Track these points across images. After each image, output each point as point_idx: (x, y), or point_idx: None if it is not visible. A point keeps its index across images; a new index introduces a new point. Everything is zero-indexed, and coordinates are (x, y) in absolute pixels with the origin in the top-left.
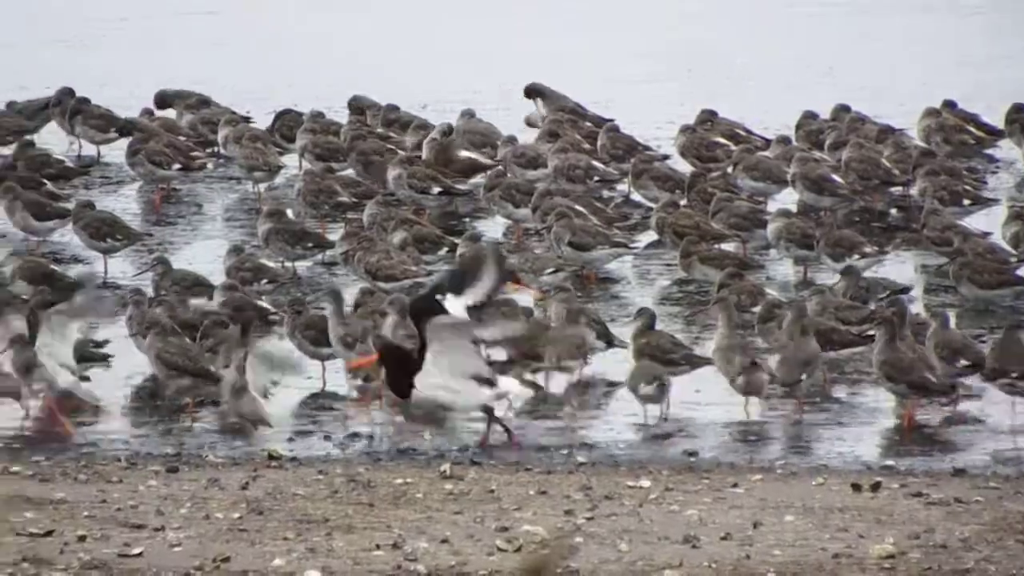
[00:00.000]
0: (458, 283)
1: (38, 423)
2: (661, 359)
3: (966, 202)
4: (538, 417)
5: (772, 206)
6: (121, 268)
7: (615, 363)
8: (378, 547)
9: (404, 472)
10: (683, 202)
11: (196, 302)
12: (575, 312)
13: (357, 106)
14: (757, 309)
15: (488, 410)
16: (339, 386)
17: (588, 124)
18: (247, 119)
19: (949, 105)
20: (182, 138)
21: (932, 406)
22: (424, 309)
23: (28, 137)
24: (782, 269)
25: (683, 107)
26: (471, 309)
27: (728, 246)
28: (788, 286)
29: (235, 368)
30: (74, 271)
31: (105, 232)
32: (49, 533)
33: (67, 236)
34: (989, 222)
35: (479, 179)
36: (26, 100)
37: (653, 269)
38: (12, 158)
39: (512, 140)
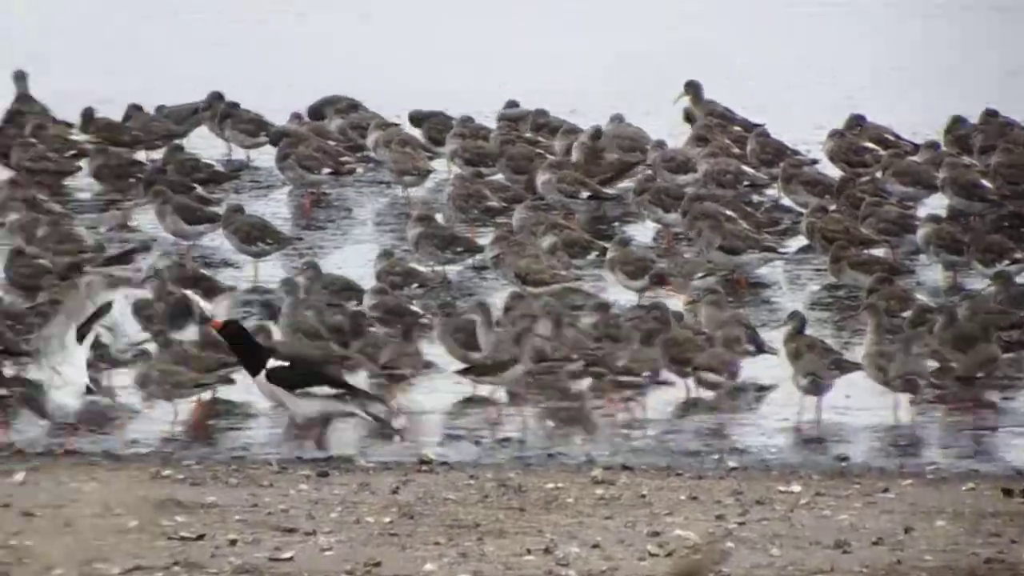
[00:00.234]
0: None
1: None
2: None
3: None
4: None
5: (921, 211)
6: (271, 272)
7: (765, 368)
8: (529, 552)
9: (555, 477)
10: (832, 207)
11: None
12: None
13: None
14: (907, 314)
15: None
16: (488, 391)
17: (737, 128)
18: (396, 123)
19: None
20: (332, 142)
21: None
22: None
23: (177, 141)
24: (931, 274)
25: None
26: None
27: (878, 251)
28: (938, 291)
29: None
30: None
31: (255, 236)
32: (200, 537)
33: (217, 240)
34: None
35: (628, 183)
36: (175, 104)
37: (803, 274)
38: (162, 162)
39: (661, 144)
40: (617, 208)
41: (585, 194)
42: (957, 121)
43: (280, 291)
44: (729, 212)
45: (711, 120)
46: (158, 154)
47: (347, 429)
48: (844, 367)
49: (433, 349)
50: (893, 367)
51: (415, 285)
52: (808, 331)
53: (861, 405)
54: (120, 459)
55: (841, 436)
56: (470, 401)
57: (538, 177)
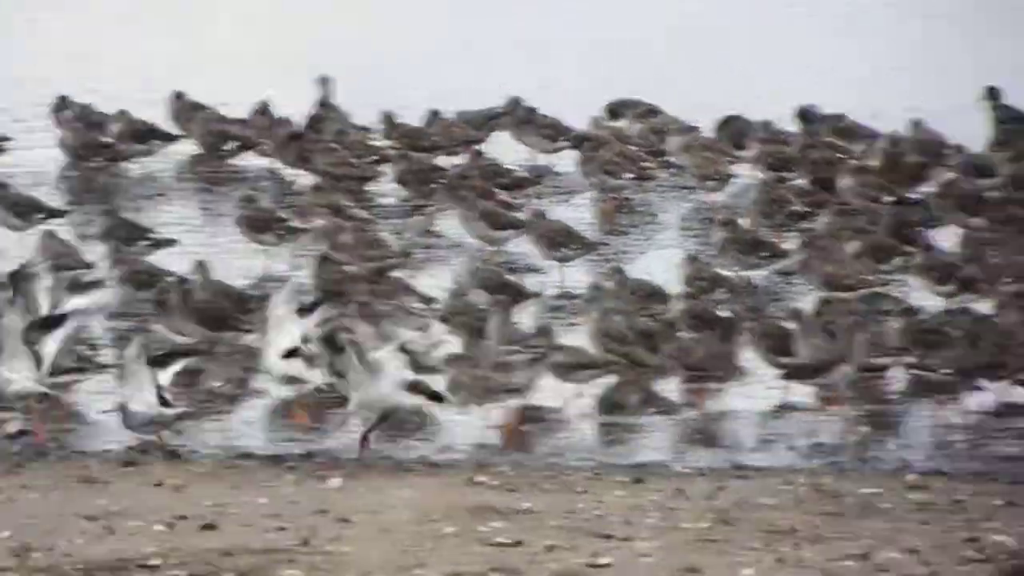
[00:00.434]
0: None
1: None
2: None
3: None
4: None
5: None
6: (576, 277)
7: None
8: (847, 557)
9: (869, 482)
10: None
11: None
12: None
13: (803, 116)
14: None
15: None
16: (802, 396)
17: None
18: (696, 127)
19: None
20: (633, 147)
21: None
22: None
23: (477, 147)
24: None
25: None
26: None
27: None
28: None
29: None
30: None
31: (560, 242)
32: (517, 543)
33: (520, 245)
34: None
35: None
36: (474, 109)
37: None
38: (465, 167)
39: (960, 149)
40: (919, 212)
41: (888, 198)
42: None
43: (587, 296)
44: None
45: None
46: (460, 159)
47: (661, 434)
48: None
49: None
50: None
51: (722, 290)
52: None
53: None
54: (435, 465)
55: None
56: (783, 407)
57: (840, 182)
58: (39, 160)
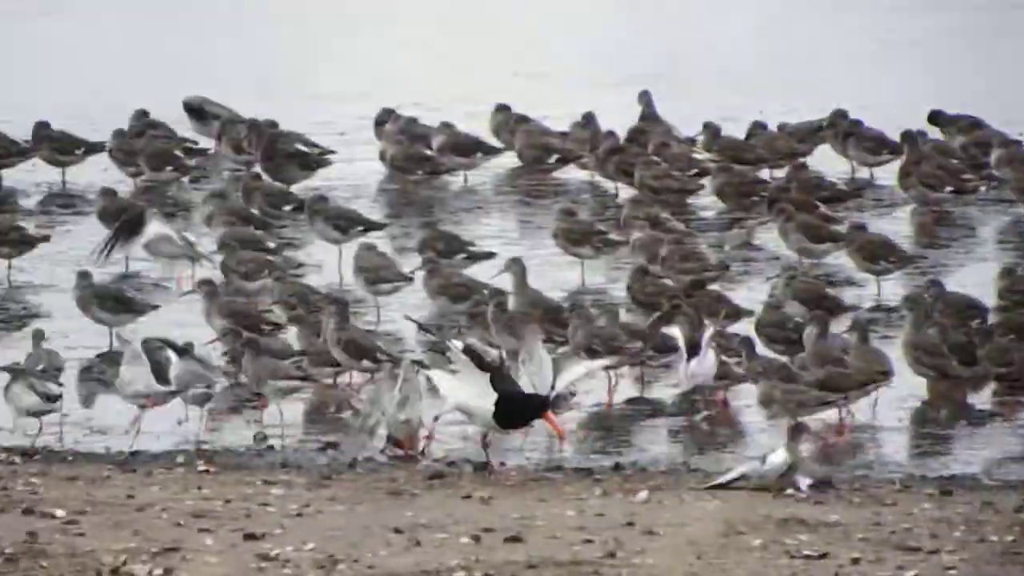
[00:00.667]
0: None
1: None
2: None
3: None
4: None
5: None
6: (893, 290)
7: None
8: None
9: None
10: None
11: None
12: None
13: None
14: None
15: None
16: None
17: None
18: (1018, 141)
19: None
20: (954, 160)
21: None
22: None
23: (801, 160)
24: None
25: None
26: None
27: None
28: None
29: None
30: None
31: (879, 255)
32: (823, 556)
33: (840, 259)
34: None
35: None
36: (798, 122)
37: None
38: (786, 180)
39: None
40: None
41: None
42: None
43: (903, 308)
44: None
45: None
46: (782, 172)
47: (972, 446)
48: None
49: None
50: None
51: None
52: None
53: None
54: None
55: None
56: None
57: None
58: (360, 173)
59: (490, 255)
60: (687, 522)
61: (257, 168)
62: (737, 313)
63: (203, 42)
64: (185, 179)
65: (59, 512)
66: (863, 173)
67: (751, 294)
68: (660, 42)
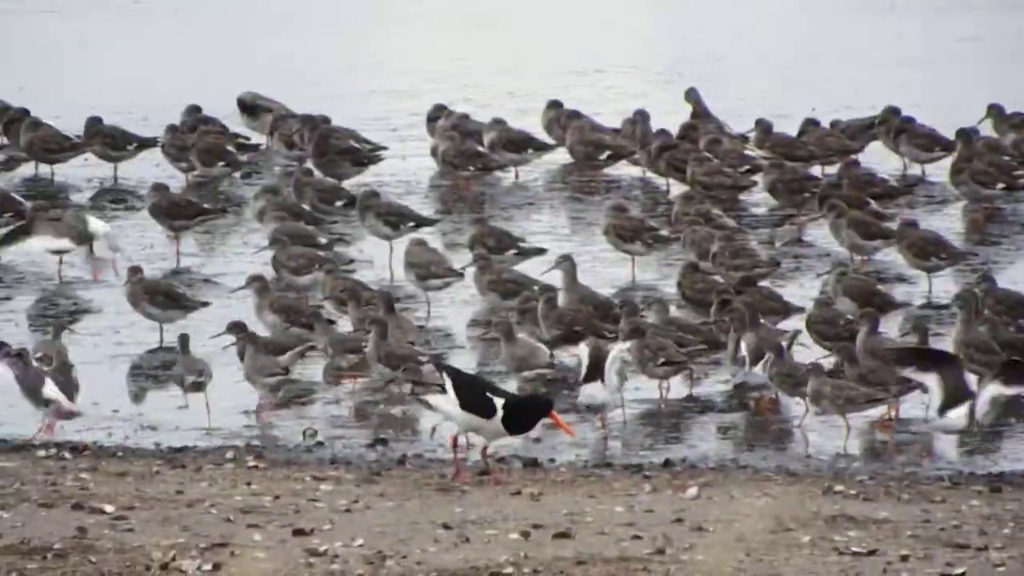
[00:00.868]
0: None
1: None
2: None
3: None
4: None
5: None
6: (944, 287)
7: None
8: None
9: None
10: None
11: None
12: None
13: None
14: None
15: None
16: None
17: None
18: None
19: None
20: (1006, 157)
21: None
22: None
23: (853, 156)
24: None
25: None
26: None
27: None
28: None
29: None
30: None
31: (930, 251)
32: (872, 552)
33: (891, 255)
34: None
35: None
36: (850, 119)
37: None
38: (837, 177)
39: None
40: None
41: None
42: None
43: (954, 306)
44: None
45: None
46: (833, 169)
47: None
48: None
49: None
50: None
51: None
52: None
53: None
54: (793, 474)
55: None
56: None
57: None
58: (412, 169)
59: (541, 251)
60: (736, 518)
61: (309, 164)
62: (787, 310)
63: (256, 38)
64: (237, 175)
65: (108, 507)
66: (915, 170)
67: (802, 291)
68: (708, 40)
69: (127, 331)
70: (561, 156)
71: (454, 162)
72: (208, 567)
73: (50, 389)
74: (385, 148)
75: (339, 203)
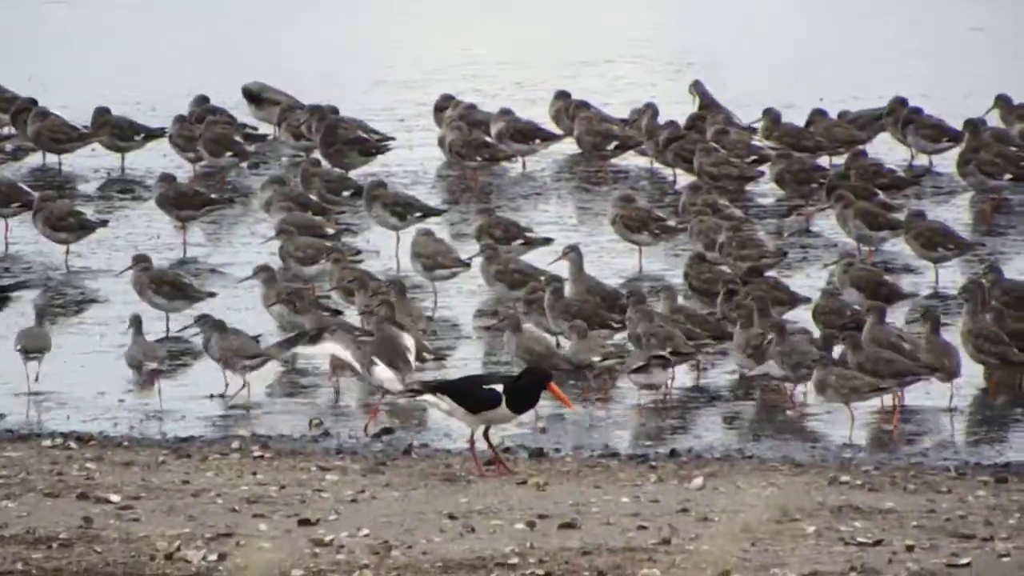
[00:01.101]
0: None
1: None
2: None
3: None
4: None
5: None
6: (951, 278)
7: None
8: None
9: None
10: None
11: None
12: None
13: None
14: None
15: None
16: None
17: None
18: None
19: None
20: (1013, 148)
21: None
22: None
23: (860, 147)
24: None
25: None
26: None
27: None
28: None
29: None
30: None
31: (937, 242)
32: (878, 542)
33: (898, 246)
34: None
35: None
36: (858, 110)
37: None
38: (844, 167)
39: None
40: None
41: None
42: None
43: (961, 296)
44: None
45: None
46: (841, 160)
47: None
48: None
49: None
50: None
51: None
52: None
53: None
54: (799, 465)
55: None
56: None
57: None
58: (419, 159)
59: (548, 241)
60: (742, 509)
61: (316, 154)
62: (794, 300)
63: (263, 29)
64: (244, 165)
65: (114, 497)
66: (922, 160)
67: (809, 281)
68: (716, 30)
69: None
70: (568, 146)
71: (461, 152)
72: (213, 557)
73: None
74: (392, 138)
75: (346, 193)
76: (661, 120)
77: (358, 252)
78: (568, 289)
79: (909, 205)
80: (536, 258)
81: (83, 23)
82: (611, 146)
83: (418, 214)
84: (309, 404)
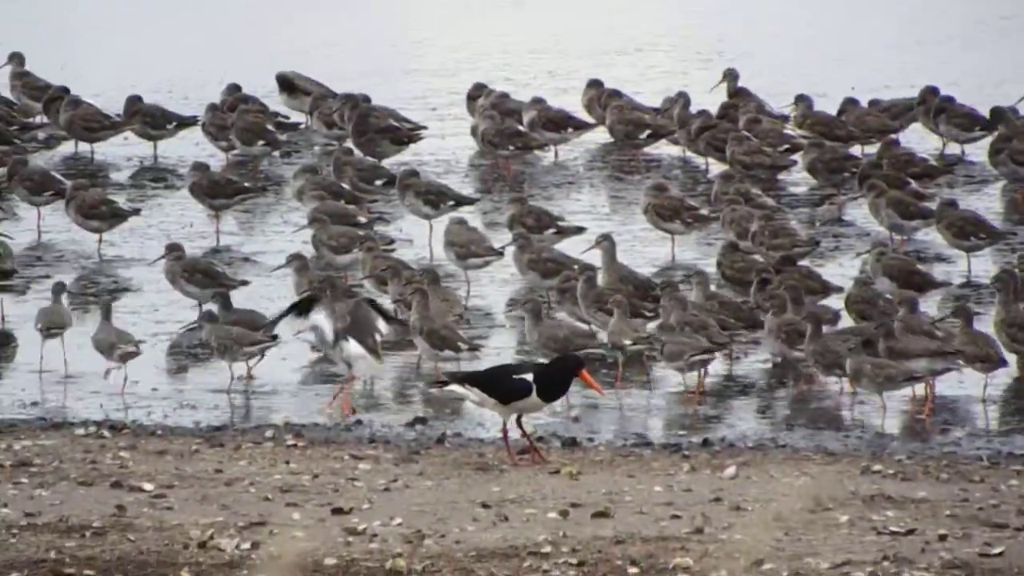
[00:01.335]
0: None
1: None
2: None
3: None
4: None
5: None
6: (983, 267)
7: None
8: None
9: None
10: None
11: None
12: None
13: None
14: None
15: None
16: None
17: None
18: None
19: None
20: None
21: None
22: None
23: (893, 136)
24: None
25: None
26: None
27: None
28: None
29: None
30: None
31: (969, 231)
32: (910, 532)
33: (930, 235)
34: None
35: None
36: (891, 99)
37: None
38: (877, 156)
39: None
40: None
41: None
42: None
43: (993, 286)
44: None
45: None
46: (873, 149)
47: None
48: None
49: None
50: None
51: None
52: None
53: None
54: (832, 454)
55: None
56: None
57: None
58: (451, 148)
59: (580, 230)
60: (775, 498)
61: (349, 143)
62: (827, 289)
63: (297, 17)
64: (276, 154)
65: (147, 486)
66: (954, 149)
67: (841, 270)
68: (749, 18)
69: (166, 309)
70: (601, 135)
71: (494, 141)
72: (247, 545)
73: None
74: (425, 127)
75: (379, 182)
76: (693, 109)
77: (391, 241)
78: (601, 278)
79: (941, 194)
80: (569, 247)
81: (115, 11)
82: (643, 135)
83: (451, 203)
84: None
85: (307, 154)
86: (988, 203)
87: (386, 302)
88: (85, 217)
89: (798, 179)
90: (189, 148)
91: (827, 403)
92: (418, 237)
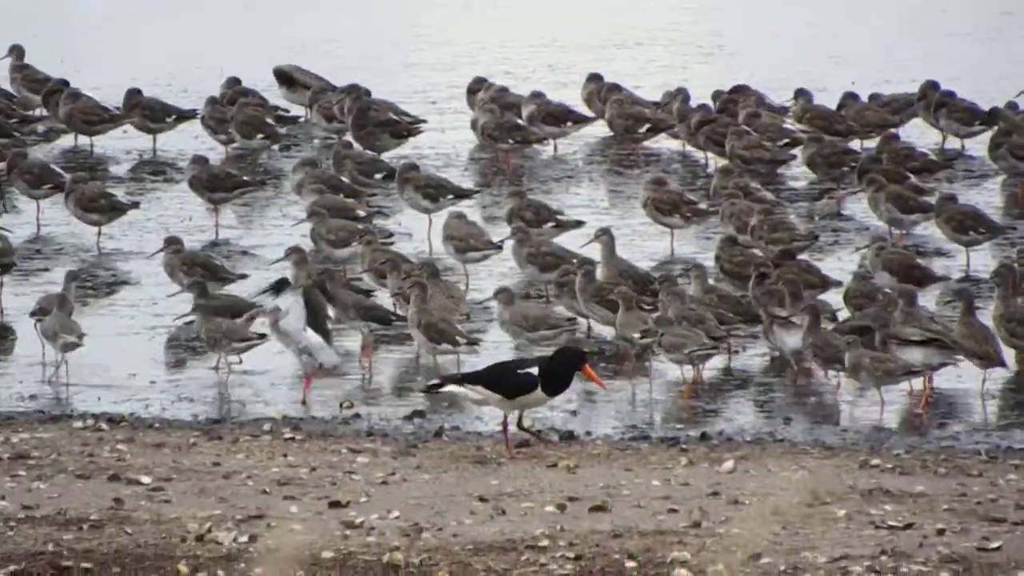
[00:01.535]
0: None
1: None
2: None
3: None
4: None
5: None
6: (982, 261)
7: None
8: None
9: None
10: None
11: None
12: None
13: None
14: None
15: None
16: None
17: None
18: None
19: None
20: None
21: None
22: None
23: (892, 131)
24: None
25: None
26: None
27: None
28: None
29: None
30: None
31: (968, 225)
32: (908, 526)
33: (929, 229)
34: None
35: None
36: (891, 94)
37: None
38: (876, 151)
39: None
40: None
41: None
42: None
43: (992, 280)
44: None
45: None
46: (873, 143)
47: None
48: None
49: None
50: None
51: None
52: None
53: None
54: (830, 448)
55: None
56: None
57: None
58: (451, 142)
59: (579, 224)
60: (772, 492)
61: (348, 136)
62: (826, 283)
63: (297, 10)
64: (276, 147)
65: (145, 479)
66: (954, 144)
67: (840, 264)
68: (748, 12)
69: (164, 303)
70: (600, 129)
71: (493, 135)
72: (244, 539)
73: None
74: (424, 121)
75: (378, 176)
76: (693, 103)
77: (390, 235)
78: (600, 272)
79: (940, 189)
80: (568, 241)
81: (115, 4)
82: (643, 129)
83: (450, 196)
84: (340, 386)
85: (306, 148)
86: (988, 198)
87: (385, 296)
88: (84, 210)
89: (797, 173)
90: (188, 141)
91: (825, 397)
92: (417, 231)
